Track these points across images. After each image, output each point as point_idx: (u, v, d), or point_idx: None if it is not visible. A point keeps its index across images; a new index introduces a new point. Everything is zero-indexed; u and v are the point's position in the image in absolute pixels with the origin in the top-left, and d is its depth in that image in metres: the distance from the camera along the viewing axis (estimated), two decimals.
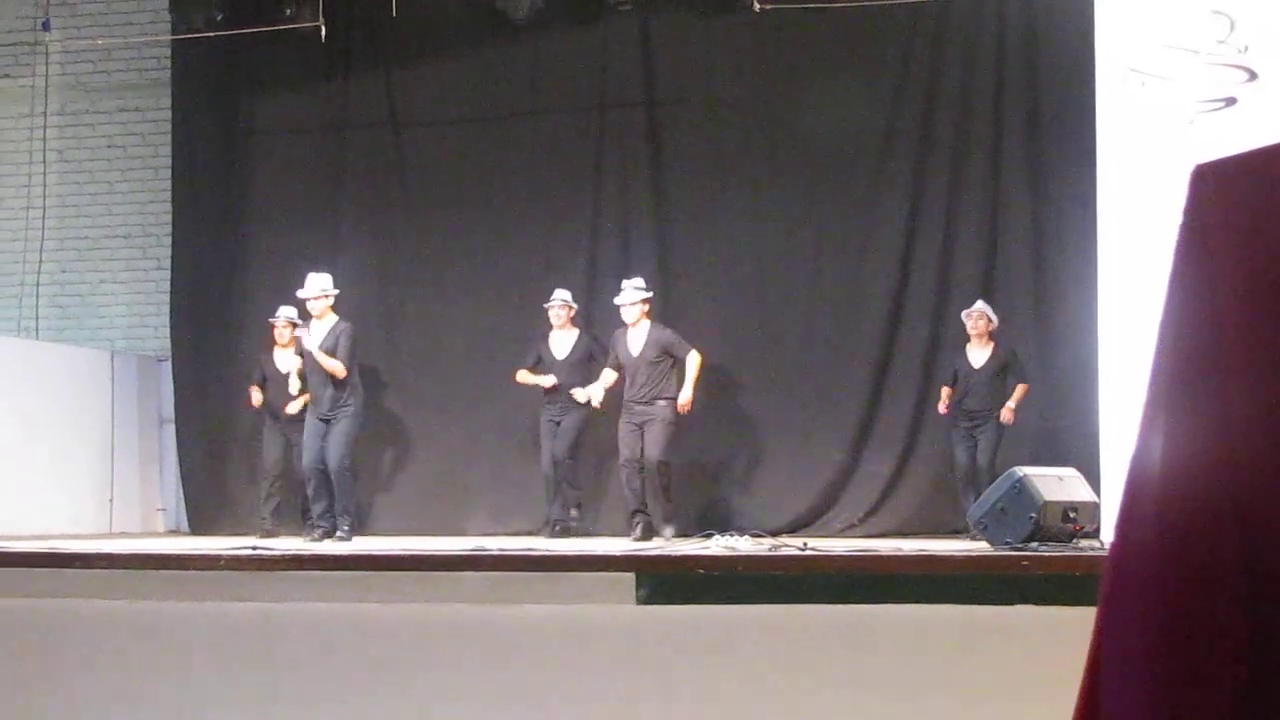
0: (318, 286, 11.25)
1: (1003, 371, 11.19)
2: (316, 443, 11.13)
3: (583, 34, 12.62)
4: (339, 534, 10.93)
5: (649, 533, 10.95)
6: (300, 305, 11.56)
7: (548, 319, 11.72)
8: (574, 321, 11.73)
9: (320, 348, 11.09)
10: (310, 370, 11.25)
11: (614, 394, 11.44)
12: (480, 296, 12.62)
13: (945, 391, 11.27)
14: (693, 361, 11.20)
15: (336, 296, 11.37)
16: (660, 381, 11.19)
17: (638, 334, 11.31)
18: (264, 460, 12.22)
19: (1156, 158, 7.88)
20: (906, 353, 11.88)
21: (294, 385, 11.71)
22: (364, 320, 12.52)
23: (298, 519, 11.86)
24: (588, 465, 12.08)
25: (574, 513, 11.62)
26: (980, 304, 11.25)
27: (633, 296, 11.32)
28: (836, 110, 12.06)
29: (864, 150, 12.09)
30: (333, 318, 11.25)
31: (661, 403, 11.14)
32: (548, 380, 11.56)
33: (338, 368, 11.03)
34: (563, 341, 11.67)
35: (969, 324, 11.20)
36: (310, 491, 11.22)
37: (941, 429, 11.49)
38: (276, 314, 11.97)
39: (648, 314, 11.38)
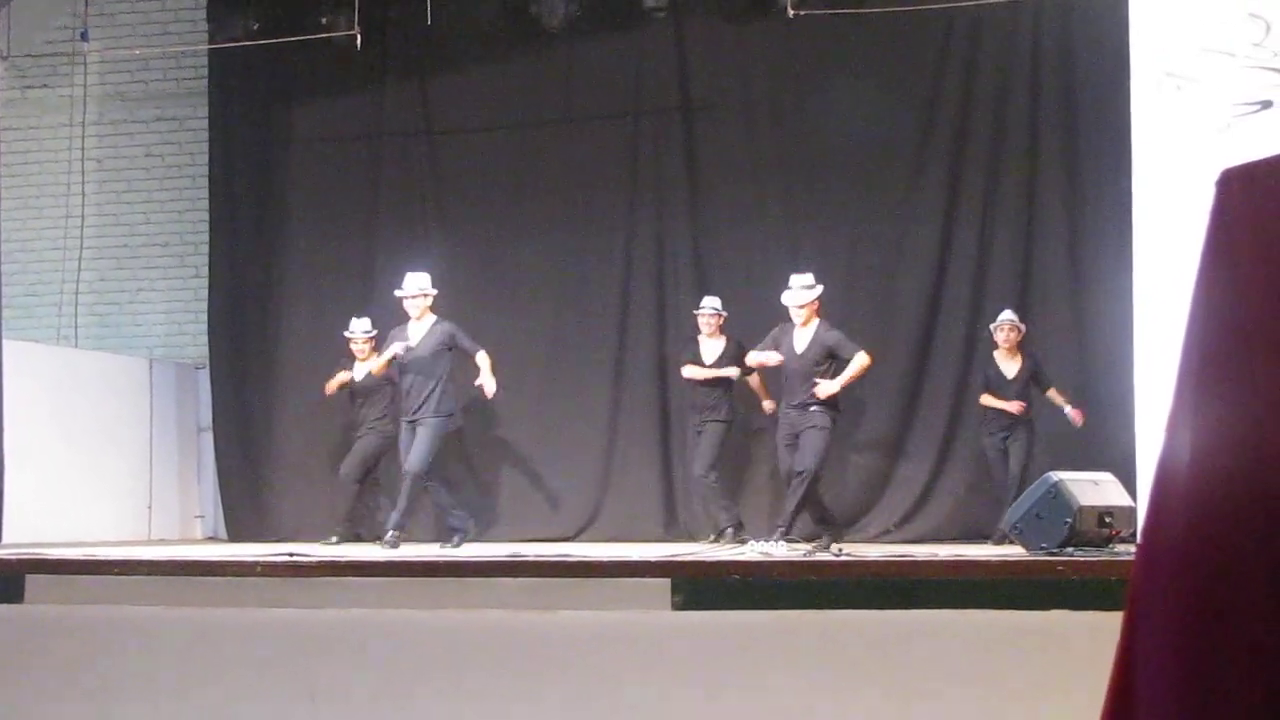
0: (416, 285, 11.00)
1: (1032, 379, 11.17)
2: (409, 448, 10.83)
3: (617, 40, 12.62)
4: (387, 540, 10.54)
5: (835, 539, 10.24)
6: (376, 314, 11.44)
7: (696, 325, 11.54)
8: (722, 330, 11.44)
9: (425, 350, 10.81)
10: (413, 371, 10.85)
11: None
12: (515, 303, 12.63)
13: (990, 398, 11.20)
14: (859, 362, 10.57)
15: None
16: (816, 387, 10.53)
17: (804, 334, 10.68)
18: (343, 465, 11.96)
19: (1192, 161, 7.82)
20: (941, 358, 11.85)
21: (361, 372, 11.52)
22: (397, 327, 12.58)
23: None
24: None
25: (728, 531, 11.06)
26: (1007, 314, 11.19)
27: (802, 297, 10.63)
28: (871, 115, 12.05)
29: (898, 155, 12.07)
30: (431, 317, 10.99)
31: (814, 408, 10.49)
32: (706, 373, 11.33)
33: (485, 360, 10.79)
34: (711, 350, 11.42)
35: (999, 336, 11.16)
36: (404, 500, 10.80)
37: (975, 435, 11.46)
38: (351, 329, 11.83)
39: (817, 312, 10.83)
